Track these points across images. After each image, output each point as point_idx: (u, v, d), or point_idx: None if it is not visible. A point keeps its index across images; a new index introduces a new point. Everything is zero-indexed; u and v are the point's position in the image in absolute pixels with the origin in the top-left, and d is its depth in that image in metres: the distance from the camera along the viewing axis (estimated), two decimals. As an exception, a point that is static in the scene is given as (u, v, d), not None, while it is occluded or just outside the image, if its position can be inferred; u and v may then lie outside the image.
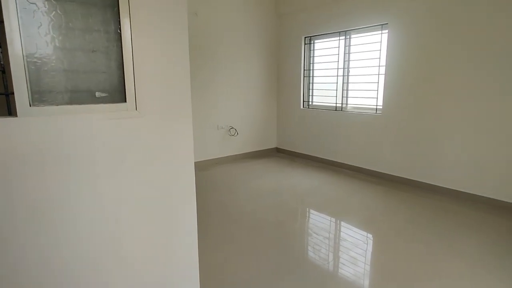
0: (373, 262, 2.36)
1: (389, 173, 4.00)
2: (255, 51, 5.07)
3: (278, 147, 5.65)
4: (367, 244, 2.60)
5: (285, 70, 5.27)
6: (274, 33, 5.27)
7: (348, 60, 4.37)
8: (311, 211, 3.27)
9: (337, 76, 4.50)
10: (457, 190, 3.39)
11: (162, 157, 1.41)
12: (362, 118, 4.23)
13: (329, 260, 2.34)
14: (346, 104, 4.50)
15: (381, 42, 3.90)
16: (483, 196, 3.21)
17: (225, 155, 5.03)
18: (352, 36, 4.28)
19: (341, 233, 2.78)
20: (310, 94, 5.04)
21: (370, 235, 2.73)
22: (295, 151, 5.31)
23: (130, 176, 1.33)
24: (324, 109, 4.78)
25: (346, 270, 2.22)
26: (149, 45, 1.31)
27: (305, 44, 4.90)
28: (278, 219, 2.98)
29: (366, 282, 2.11)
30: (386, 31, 3.80)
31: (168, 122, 1.41)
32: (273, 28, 5.24)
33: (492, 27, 2.98)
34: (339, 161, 4.61)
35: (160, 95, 1.38)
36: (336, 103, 4.60)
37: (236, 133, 5.06)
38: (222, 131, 4.95)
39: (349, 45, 4.33)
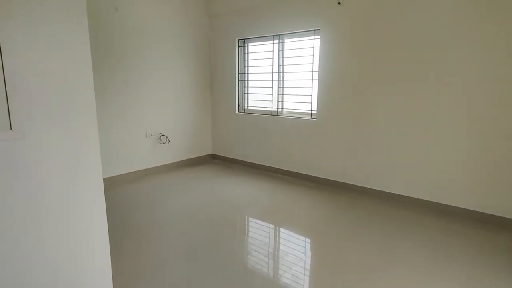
0: (317, 272, 2.27)
1: (326, 178, 4.05)
2: (185, 53, 4.73)
3: (214, 153, 5.39)
4: (311, 255, 2.51)
5: (219, 74, 5.03)
6: (206, 35, 4.99)
7: (283, 65, 4.33)
8: (251, 224, 3.09)
9: (272, 80, 4.43)
10: (392, 193, 3.54)
11: (54, 180, 1.06)
12: (298, 122, 4.22)
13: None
14: (282, 108, 4.46)
15: (313, 47, 3.92)
16: (417, 198, 3.38)
17: (157, 165, 4.59)
18: (286, 40, 4.24)
19: (285, 247, 2.64)
20: (246, 98, 4.89)
21: (315, 244, 2.66)
22: (232, 157, 5.11)
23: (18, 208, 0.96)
24: (260, 113, 4.67)
25: (290, 290, 2.08)
26: (30, 51, 0.96)
27: (239, 46, 4.73)
28: (215, 238, 2.72)
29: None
30: (318, 36, 3.83)
31: (61, 139, 1.07)
32: (205, 29, 4.97)
33: (421, 33, 3.17)
34: (276, 167, 4.54)
35: (50, 109, 1.03)
36: (272, 108, 4.52)
37: (168, 140, 4.66)
38: (152, 139, 4.50)
39: (283, 49, 4.29)
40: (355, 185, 3.80)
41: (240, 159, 4.99)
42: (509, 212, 2.87)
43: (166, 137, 4.64)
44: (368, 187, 3.70)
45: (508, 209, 2.87)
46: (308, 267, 2.35)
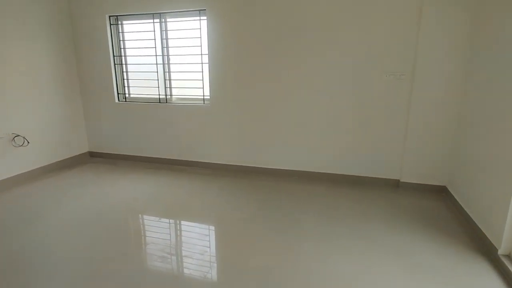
0: (236, 257, 2.25)
1: (225, 163, 4.03)
2: (35, 33, 3.75)
3: (92, 150, 4.61)
4: (224, 243, 2.45)
5: (88, 57, 4.24)
6: (65, 9, 4.08)
7: (167, 47, 3.97)
8: (157, 226, 2.79)
9: (157, 64, 4.02)
10: (290, 170, 3.81)
11: None
12: (190, 109, 4.00)
13: None
14: (171, 95, 4.13)
15: (200, 28, 3.73)
16: (308, 171, 3.75)
17: (13, 174, 3.59)
18: (168, 20, 3.88)
19: (199, 241, 2.50)
20: (126, 85, 4.31)
21: (226, 231, 2.61)
22: (117, 153, 4.49)
23: None
24: (145, 101, 4.21)
25: None
26: None
27: (111, 25, 4.07)
28: (116, 253, 2.35)
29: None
30: (205, 17, 3.65)
31: None
32: (63, 2, 4.04)
33: (310, 16, 3.38)
34: (172, 158, 4.24)
35: None
36: (159, 95, 4.13)
37: (26, 141, 3.69)
38: (1, 142, 3.47)
39: (166, 30, 3.92)
40: (253, 167, 3.93)
41: (127, 154, 4.44)
42: (377, 172, 3.52)
43: (23, 138, 3.66)
44: (265, 167, 3.89)
45: (377, 170, 3.52)
46: (226, 255, 2.30)
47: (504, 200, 2.11)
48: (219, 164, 4.05)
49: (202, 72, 3.86)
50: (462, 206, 2.82)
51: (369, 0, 3.12)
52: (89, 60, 4.24)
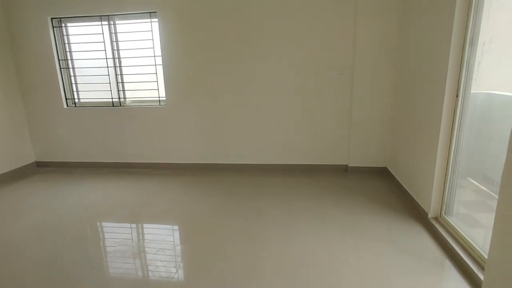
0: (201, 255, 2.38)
1: (186, 162, 4.10)
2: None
3: (40, 160, 4.36)
4: (197, 241, 2.57)
5: (29, 62, 4.00)
6: (1, 11, 3.82)
7: (118, 50, 3.92)
8: (112, 235, 2.80)
9: (108, 67, 3.95)
10: (249, 164, 4.00)
11: None
12: (146, 111, 4.00)
13: None
14: (124, 98, 4.08)
15: (152, 31, 3.75)
16: (265, 164, 3.98)
17: (-50, 192, 3.30)
18: (118, 22, 3.84)
19: (167, 244, 2.58)
20: (75, 89, 4.15)
21: (192, 229, 2.71)
22: (70, 160, 4.30)
23: None
24: (98, 106, 4.10)
25: None
26: None
27: (54, 27, 3.89)
28: (65, 269, 2.34)
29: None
30: (156, 19, 3.68)
31: None
32: (-5, 2, 3.78)
33: (260, 17, 3.58)
34: (130, 161, 4.19)
35: None
36: (112, 98, 4.06)
37: (-36, 155, 3.40)
38: None
39: (116, 33, 3.87)
40: (214, 164, 4.06)
41: (81, 161, 4.28)
42: (328, 159, 3.87)
43: (-39, 151, 3.37)
44: (225, 163, 4.04)
45: (328, 158, 3.87)
46: (192, 252, 2.42)
47: (430, 173, 2.53)
48: (180, 164, 4.11)
49: (156, 73, 3.89)
50: (400, 182, 3.26)
51: (314, 2, 3.43)
52: (30, 65, 4.01)
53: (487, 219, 2.45)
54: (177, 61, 3.77)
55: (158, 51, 3.79)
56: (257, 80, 3.72)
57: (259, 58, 3.65)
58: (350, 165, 3.81)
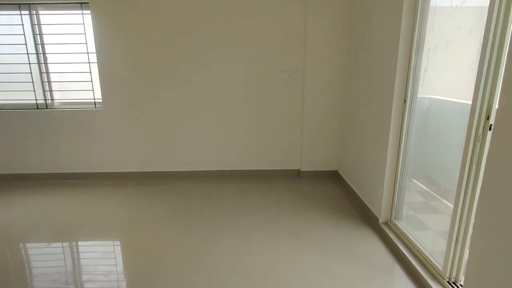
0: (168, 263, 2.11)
1: (129, 171, 3.71)
2: None
3: None
4: (140, 254, 2.27)
5: None
6: None
7: (42, 44, 3.40)
8: (40, 257, 2.38)
9: (30, 63, 3.41)
10: (199, 171, 3.73)
11: None
12: (80, 114, 3.54)
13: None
14: (52, 99, 3.57)
15: (84, 24, 3.31)
16: (207, 170, 3.75)
17: None
18: (42, 12, 3.33)
19: (108, 260, 2.24)
20: (-12, 89, 3.53)
21: (137, 244, 2.41)
22: (-18, 173, 3.65)
23: None
24: (18, 108, 3.53)
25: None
26: None
27: (-42, 14, 3.26)
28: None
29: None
30: (88, 11, 3.26)
31: None
32: None
33: (207, 15, 3.32)
34: (64, 171, 3.68)
35: None
36: (36, 99, 3.52)
37: None
38: None
39: (39, 24, 3.35)
40: (160, 172, 3.73)
41: (3, 173, 3.66)
42: (281, 164, 3.77)
43: None
44: (173, 170, 3.74)
45: (280, 163, 3.77)
46: (136, 270, 2.13)
47: (379, 178, 2.54)
48: (122, 172, 3.71)
49: (91, 72, 3.45)
50: (351, 186, 3.27)
51: (265, 4, 3.30)
52: None
53: (432, 220, 2.52)
54: (115, 58, 3.38)
55: (93, 47, 3.36)
56: (204, 81, 3.49)
57: (206, 58, 3.42)
58: (303, 169, 3.76)
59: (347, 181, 3.41)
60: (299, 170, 3.79)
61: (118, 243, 2.47)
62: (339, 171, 3.70)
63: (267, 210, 2.94)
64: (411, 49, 2.19)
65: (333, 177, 3.73)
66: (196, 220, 2.76)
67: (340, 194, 3.28)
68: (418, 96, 2.22)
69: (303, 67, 3.46)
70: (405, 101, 2.28)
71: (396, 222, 2.44)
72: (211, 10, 3.29)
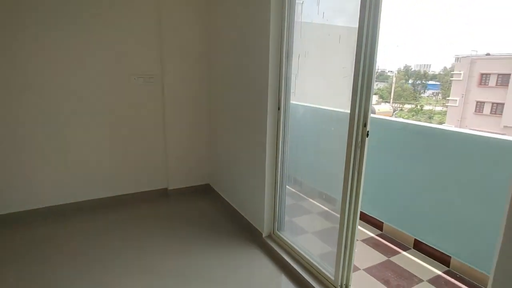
0: None
1: None
2: None
3: None
4: None
5: None
6: None
7: None
8: None
9: None
10: (41, 208, 2.64)
11: None
12: None
13: None
14: None
15: None
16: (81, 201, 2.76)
17: None
18: None
19: None
20: None
21: None
22: None
23: None
24: None
25: None
26: None
27: None
28: None
29: None
30: None
31: None
32: None
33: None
34: None
35: None
36: None
37: None
38: None
39: None
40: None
41: None
42: (145, 186, 3.16)
43: None
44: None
45: (145, 184, 3.16)
46: None
47: (259, 190, 2.39)
48: None
49: None
50: (227, 200, 3.04)
51: (116, 4, 2.63)
52: None
53: (305, 222, 2.59)
54: None
55: None
56: (38, 97, 2.52)
57: (44, 67, 2.48)
58: (170, 187, 3.27)
59: (222, 195, 3.16)
60: (166, 188, 3.28)
61: None
62: (211, 184, 3.42)
63: (133, 240, 2.36)
64: (281, 55, 2.11)
65: (206, 192, 3.42)
66: (37, 276, 1.88)
67: (215, 210, 3.01)
68: (292, 102, 2.18)
69: (161, 71, 3.00)
70: (279, 108, 2.20)
71: (280, 234, 2.35)
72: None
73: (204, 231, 2.62)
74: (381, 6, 1.43)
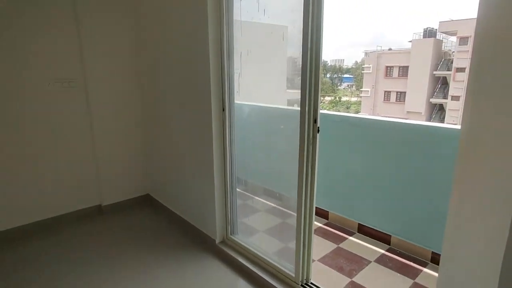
0: None
1: None
2: None
3: None
4: None
5: None
6: None
7: None
8: None
9: None
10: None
11: None
12: None
13: None
14: None
15: None
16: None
17: None
18: None
19: None
20: None
21: None
22: None
23: None
24: None
25: None
26: None
27: None
28: None
29: None
30: None
31: None
32: None
33: None
34: None
35: None
36: None
37: None
38: None
39: None
40: None
41: None
42: (74, 205, 2.77)
43: None
44: None
45: (73, 203, 2.76)
46: None
47: (209, 195, 2.28)
48: None
49: None
50: (171, 209, 2.84)
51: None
52: None
53: (256, 221, 2.57)
54: None
55: None
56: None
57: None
58: (104, 203, 2.93)
59: (165, 204, 2.95)
60: (100, 205, 2.93)
61: None
62: (151, 194, 3.17)
63: (63, 268, 2.03)
64: (222, 53, 2.03)
65: (146, 203, 3.15)
66: None
67: (160, 221, 2.79)
68: (237, 102, 2.11)
69: (84, 72, 2.64)
70: (223, 109, 2.12)
71: (234, 238, 2.29)
72: None
73: (151, 245, 2.40)
74: (323, 2, 1.45)
